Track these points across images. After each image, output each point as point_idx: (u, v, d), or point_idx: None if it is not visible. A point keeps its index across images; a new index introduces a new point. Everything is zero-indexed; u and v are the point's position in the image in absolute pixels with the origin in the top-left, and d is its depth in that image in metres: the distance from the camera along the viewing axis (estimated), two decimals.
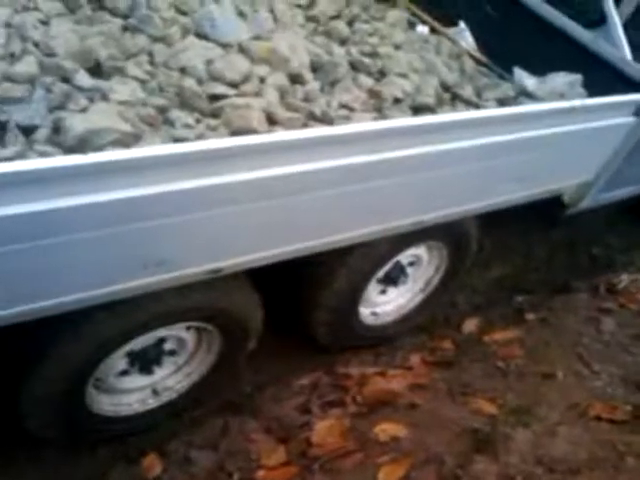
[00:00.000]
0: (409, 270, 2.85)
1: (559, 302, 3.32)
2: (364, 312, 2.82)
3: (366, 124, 1.99)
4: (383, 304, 2.92)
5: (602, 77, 2.69)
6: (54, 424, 2.13)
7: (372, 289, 2.76)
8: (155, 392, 2.41)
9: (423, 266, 2.90)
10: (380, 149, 1.87)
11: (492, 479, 2.14)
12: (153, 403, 2.41)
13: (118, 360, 2.16)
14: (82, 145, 1.57)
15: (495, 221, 2.86)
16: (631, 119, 2.57)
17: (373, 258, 2.49)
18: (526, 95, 2.62)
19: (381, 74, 2.38)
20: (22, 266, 1.45)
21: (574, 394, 2.59)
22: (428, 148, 1.98)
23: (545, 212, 3.05)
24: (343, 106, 2.10)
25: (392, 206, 2.12)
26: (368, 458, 2.27)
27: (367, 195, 1.97)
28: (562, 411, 2.49)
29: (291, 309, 2.70)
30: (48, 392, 1.98)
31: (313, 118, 1.99)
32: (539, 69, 2.71)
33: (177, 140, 1.74)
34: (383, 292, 2.87)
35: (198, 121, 1.84)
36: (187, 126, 1.78)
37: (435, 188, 2.19)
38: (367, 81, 2.28)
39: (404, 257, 2.74)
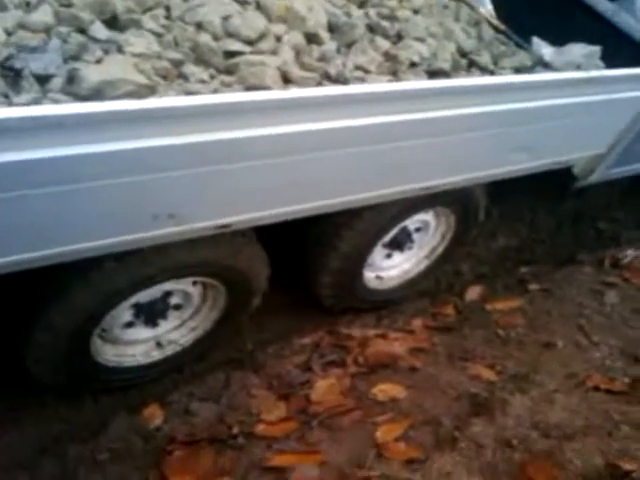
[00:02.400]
0: (416, 236, 2.86)
1: (563, 274, 3.33)
2: (369, 275, 2.85)
3: (380, 85, 1.99)
4: (388, 268, 2.94)
5: (621, 49, 2.66)
6: (59, 372, 2.17)
7: (378, 253, 2.78)
8: (159, 345, 2.45)
9: (430, 232, 2.91)
10: (393, 111, 1.87)
11: (488, 441, 2.18)
12: (157, 356, 2.45)
13: (124, 311, 2.20)
14: (96, 95, 1.57)
15: (503, 191, 2.86)
16: None
17: (380, 222, 2.51)
18: (543, 65, 2.59)
19: (398, 37, 2.36)
20: (34, 212, 1.47)
21: (573, 364, 2.63)
22: (441, 112, 1.98)
23: (554, 184, 3.04)
24: (358, 68, 2.09)
25: (402, 170, 2.12)
26: (366, 417, 2.32)
27: (377, 157, 1.98)
28: (560, 380, 2.52)
29: (296, 269, 2.72)
30: (54, 340, 2.02)
31: (328, 78, 1.98)
32: (558, 39, 2.67)
33: (191, 95, 1.73)
34: (388, 256, 2.89)
35: (212, 77, 1.83)
36: (201, 81, 1.78)
37: (446, 154, 2.19)
38: (384, 44, 2.26)
39: (411, 222, 2.75)
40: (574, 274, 3.32)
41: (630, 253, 3.46)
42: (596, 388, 2.48)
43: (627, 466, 2.08)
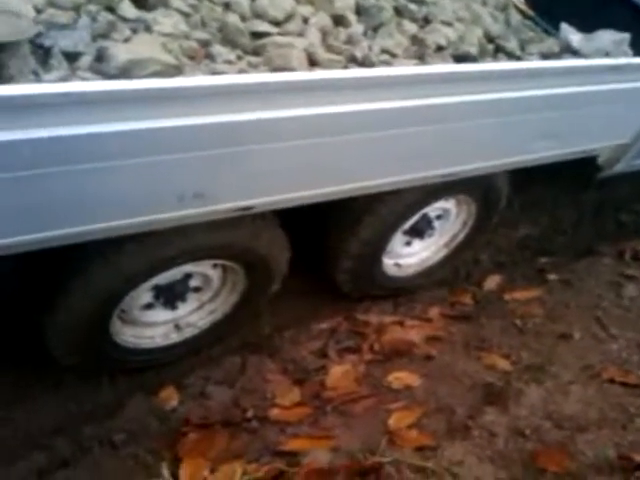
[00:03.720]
0: (436, 223, 2.84)
1: (582, 265, 3.30)
2: (387, 262, 2.83)
3: (405, 68, 1.97)
4: (407, 256, 2.93)
5: None
6: (77, 352, 2.18)
7: (397, 240, 2.76)
8: (177, 327, 2.45)
9: (450, 220, 2.89)
10: (418, 95, 1.85)
11: (501, 430, 2.18)
12: (175, 338, 2.45)
13: (144, 293, 2.20)
14: (124, 74, 1.57)
15: (525, 180, 2.83)
16: None
17: (401, 208, 2.49)
18: (571, 52, 2.56)
19: (425, 21, 2.34)
20: (59, 190, 1.47)
21: (589, 356, 2.61)
22: (466, 97, 1.95)
23: (577, 174, 3.00)
24: (385, 51, 2.07)
25: (425, 155, 2.09)
26: (380, 404, 2.32)
27: (401, 142, 1.96)
28: (576, 371, 2.51)
29: (316, 254, 2.71)
30: (74, 320, 2.03)
31: (354, 61, 1.96)
32: (587, 26, 2.63)
33: (216, 74, 1.73)
34: (408, 244, 2.87)
35: (239, 58, 1.82)
36: (228, 62, 1.77)
37: (470, 139, 2.16)
38: (411, 27, 2.24)
39: (432, 210, 2.73)
40: (594, 265, 3.29)
41: None
42: (611, 381, 2.47)
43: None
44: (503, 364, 2.55)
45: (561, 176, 2.99)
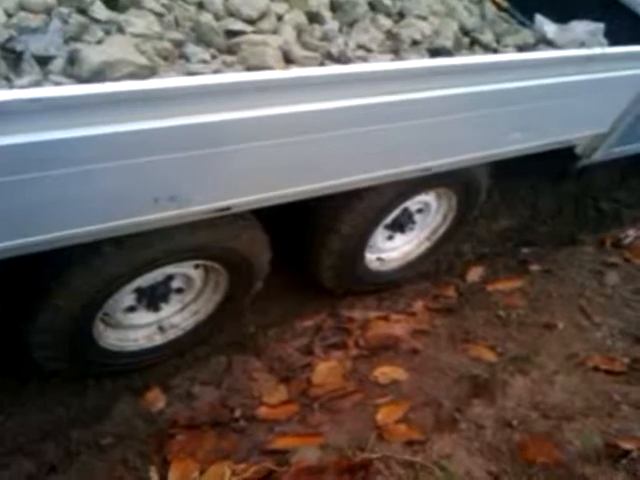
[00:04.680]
0: (417, 217, 2.85)
1: (564, 255, 3.31)
2: (370, 257, 2.84)
3: (381, 64, 1.96)
4: (389, 250, 2.94)
5: (625, 27, 2.63)
6: (61, 356, 2.17)
7: (379, 235, 2.77)
8: (161, 329, 2.45)
9: (431, 214, 2.90)
10: (394, 91, 1.85)
11: (489, 422, 2.18)
12: (159, 340, 2.45)
13: (126, 296, 2.19)
14: (97, 77, 1.55)
15: (505, 171, 2.84)
16: None
17: (381, 203, 2.49)
18: (546, 43, 2.57)
19: (400, 16, 2.33)
20: (33, 196, 1.45)
21: (574, 345, 2.62)
22: (443, 92, 1.96)
23: (556, 164, 3.02)
24: (360, 47, 2.07)
25: (402, 150, 2.09)
26: (367, 399, 2.31)
27: (378, 138, 1.96)
28: (561, 361, 2.52)
29: (298, 251, 2.71)
30: (57, 324, 2.01)
31: (330, 58, 1.95)
32: (562, 17, 2.64)
33: (192, 75, 1.71)
34: (390, 238, 2.88)
35: (214, 57, 1.81)
36: (203, 61, 1.76)
37: (446, 134, 2.16)
38: (386, 22, 2.23)
39: (413, 204, 2.74)
40: (575, 255, 3.30)
41: (631, 233, 3.44)
42: (596, 369, 2.47)
43: (626, 445, 2.07)
44: (488, 355, 2.56)
45: (540, 166, 3.01)
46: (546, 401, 2.30)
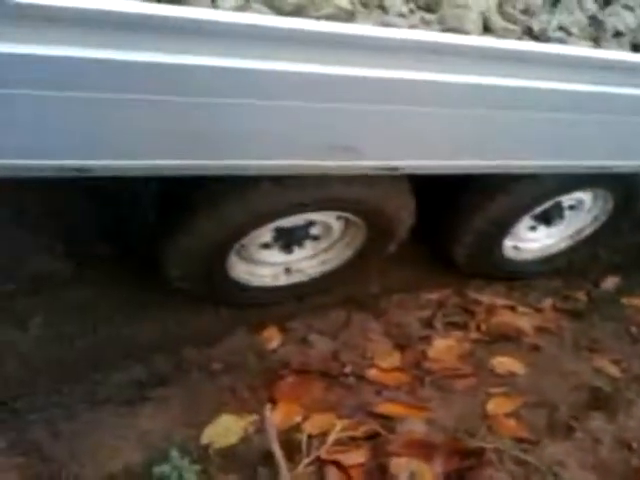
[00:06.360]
0: (567, 213, 2.73)
1: None
2: (507, 244, 2.75)
3: (581, 49, 1.85)
4: (529, 240, 2.84)
5: None
6: (192, 278, 2.24)
7: (523, 223, 2.67)
8: (287, 270, 2.49)
9: (583, 212, 2.77)
10: (586, 81, 1.74)
11: (607, 438, 2.09)
12: (283, 280, 2.49)
13: (266, 232, 2.23)
14: (297, 12, 1.54)
15: None
16: None
17: (538, 193, 2.41)
18: None
19: (607, 2, 2.17)
20: (227, 121, 1.48)
21: None
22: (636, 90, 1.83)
23: None
24: (561, 28, 1.94)
25: (584, 144, 1.99)
26: (481, 385, 2.27)
27: (564, 127, 1.87)
28: None
29: (438, 223, 2.66)
30: (197, 245, 2.07)
31: (529, 34, 1.85)
32: None
33: (388, 26, 1.67)
34: (532, 229, 2.78)
35: (412, 12, 1.75)
36: (400, 15, 1.71)
37: (630, 134, 2.03)
38: (592, 6, 2.08)
39: (567, 199, 2.62)
40: None
41: None
42: None
43: None
44: (612, 370, 2.44)
45: None
46: None
